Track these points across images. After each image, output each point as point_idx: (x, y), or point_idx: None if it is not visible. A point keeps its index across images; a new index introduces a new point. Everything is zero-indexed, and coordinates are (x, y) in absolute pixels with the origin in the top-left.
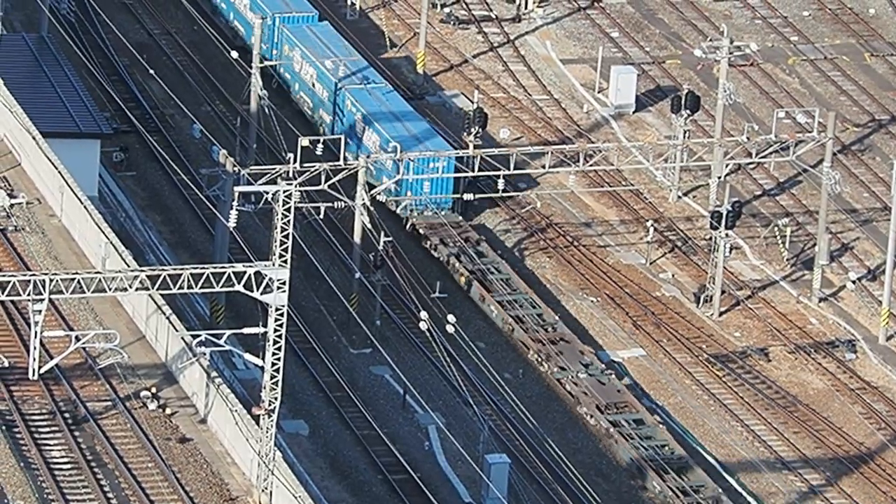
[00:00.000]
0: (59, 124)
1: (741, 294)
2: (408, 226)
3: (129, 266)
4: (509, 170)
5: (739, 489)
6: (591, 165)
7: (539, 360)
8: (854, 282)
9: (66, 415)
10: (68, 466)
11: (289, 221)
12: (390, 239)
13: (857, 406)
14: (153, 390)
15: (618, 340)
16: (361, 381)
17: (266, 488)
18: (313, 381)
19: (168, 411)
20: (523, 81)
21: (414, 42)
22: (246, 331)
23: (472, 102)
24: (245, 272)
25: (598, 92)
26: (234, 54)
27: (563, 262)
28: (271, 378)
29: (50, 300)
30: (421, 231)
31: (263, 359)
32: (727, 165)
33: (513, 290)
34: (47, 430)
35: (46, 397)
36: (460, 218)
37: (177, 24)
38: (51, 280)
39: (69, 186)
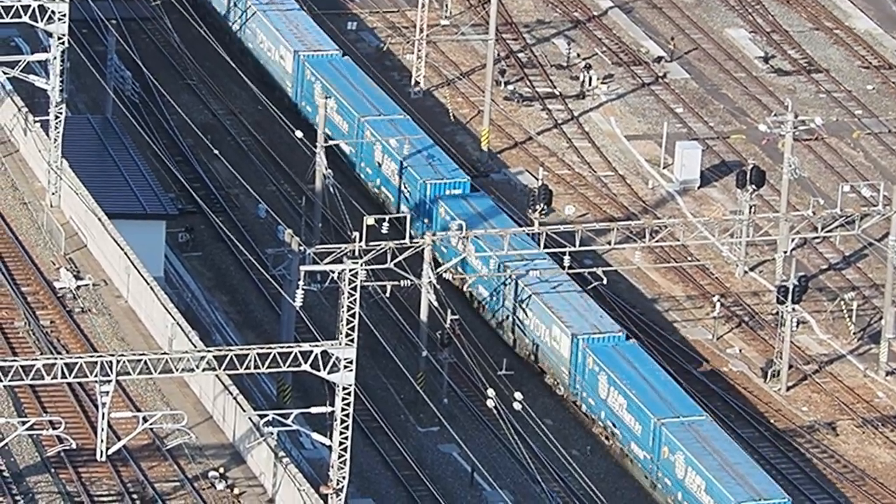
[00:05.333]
0: (125, 205)
1: (808, 368)
2: None
3: (195, 346)
4: (575, 246)
5: None
6: (656, 241)
7: None
8: None
9: (135, 496)
10: None
11: (355, 300)
12: (457, 317)
13: None
14: (221, 470)
15: None
16: (429, 459)
17: None
18: (381, 460)
19: (236, 491)
20: (588, 158)
21: (478, 119)
22: (313, 410)
23: (537, 179)
24: (312, 352)
25: (664, 168)
26: (299, 134)
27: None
28: (339, 457)
29: (117, 381)
30: None
31: (331, 438)
32: (793, 240)
33: None
34: None
35: (114, 478)
36: None
37: (241, 104)
38: (118, 361)
39: (135, 267)
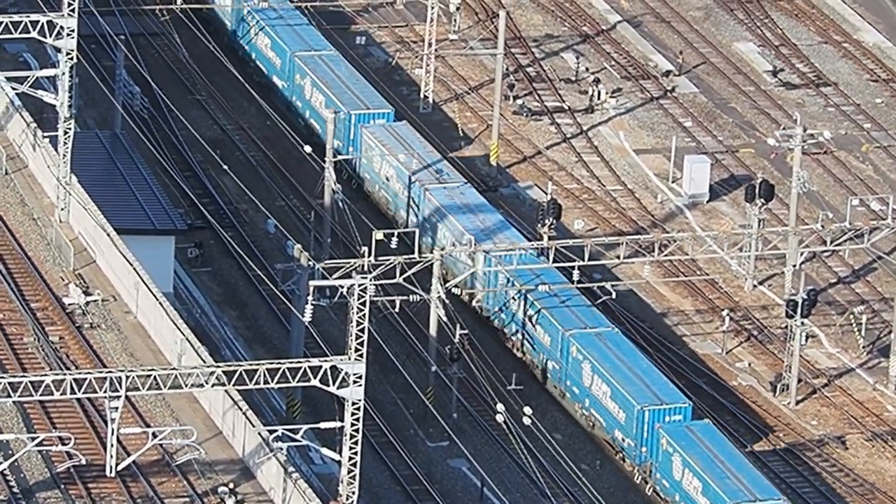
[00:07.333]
0: (134, 221)
1: (818, 382)
2: None
3: (204, 362)
4: (584, 261)
5: None
6: (665, 255)
7: None
8: None
9: None
10: None
11: (364, 315)
12: (466, 332)
13: None
14: (231, 486)
15: None
16: (439, 473)
17: None
18: (391, 475)
19: None
20: (597, 172)
21: (487, 134)
22: (323, 425)
23: (546, 194)
24: (321, 367)
25: (672, 182)
26: (308, 149)
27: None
28: (349, 472)
29: (126, 397)
30: None
31: (340, 453)
32: (802, 254)
33: None
34: None
35: (124, 494)
36: None
37: (249, 119)
38: (127, 377)
39: (144, 283)
